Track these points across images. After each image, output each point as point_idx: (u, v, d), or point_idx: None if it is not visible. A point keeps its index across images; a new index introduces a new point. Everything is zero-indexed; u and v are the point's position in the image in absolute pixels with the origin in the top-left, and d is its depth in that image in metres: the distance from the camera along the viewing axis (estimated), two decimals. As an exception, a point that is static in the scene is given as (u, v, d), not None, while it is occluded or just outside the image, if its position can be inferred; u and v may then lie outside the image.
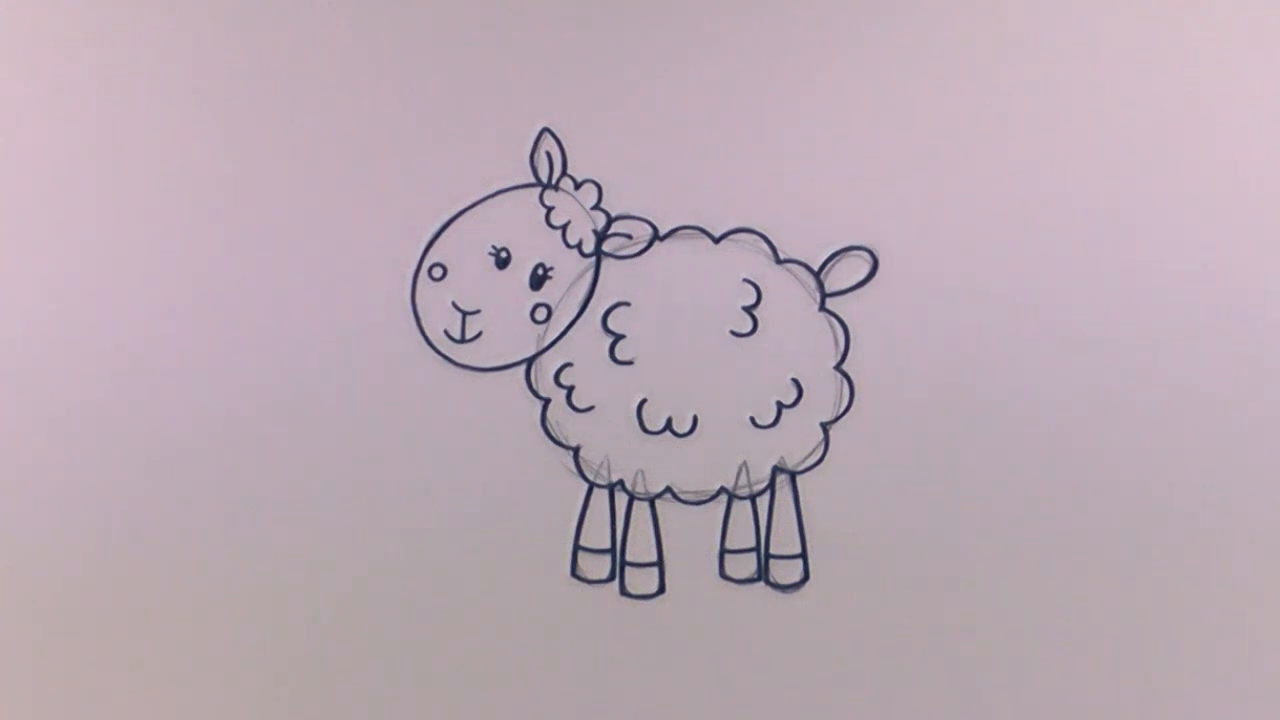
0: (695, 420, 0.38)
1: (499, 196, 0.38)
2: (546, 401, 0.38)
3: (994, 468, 0.42)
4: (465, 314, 0.38)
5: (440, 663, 0.39)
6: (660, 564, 0.39)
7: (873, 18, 0.42)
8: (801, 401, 0.42)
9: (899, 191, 0.42)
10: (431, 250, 0.38)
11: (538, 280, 0.37)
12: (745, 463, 0.39)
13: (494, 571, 0.39)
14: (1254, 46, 0.40)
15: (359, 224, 0.37)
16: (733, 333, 0.41)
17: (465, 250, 0.38)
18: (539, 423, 0.38)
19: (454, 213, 0.38)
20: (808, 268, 0.42)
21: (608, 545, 0.39)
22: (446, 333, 0.38)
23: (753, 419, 0.39)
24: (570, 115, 0.37)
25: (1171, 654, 0.42)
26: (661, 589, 0.39)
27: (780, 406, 0.42)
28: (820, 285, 0.42)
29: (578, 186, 0.38)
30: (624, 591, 0.39)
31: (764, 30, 0.41)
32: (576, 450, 0.38)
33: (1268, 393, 0.40)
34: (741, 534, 0.39)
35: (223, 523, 0.38)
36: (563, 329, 0.38)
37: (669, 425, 0.38)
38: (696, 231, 0.41)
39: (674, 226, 0.41)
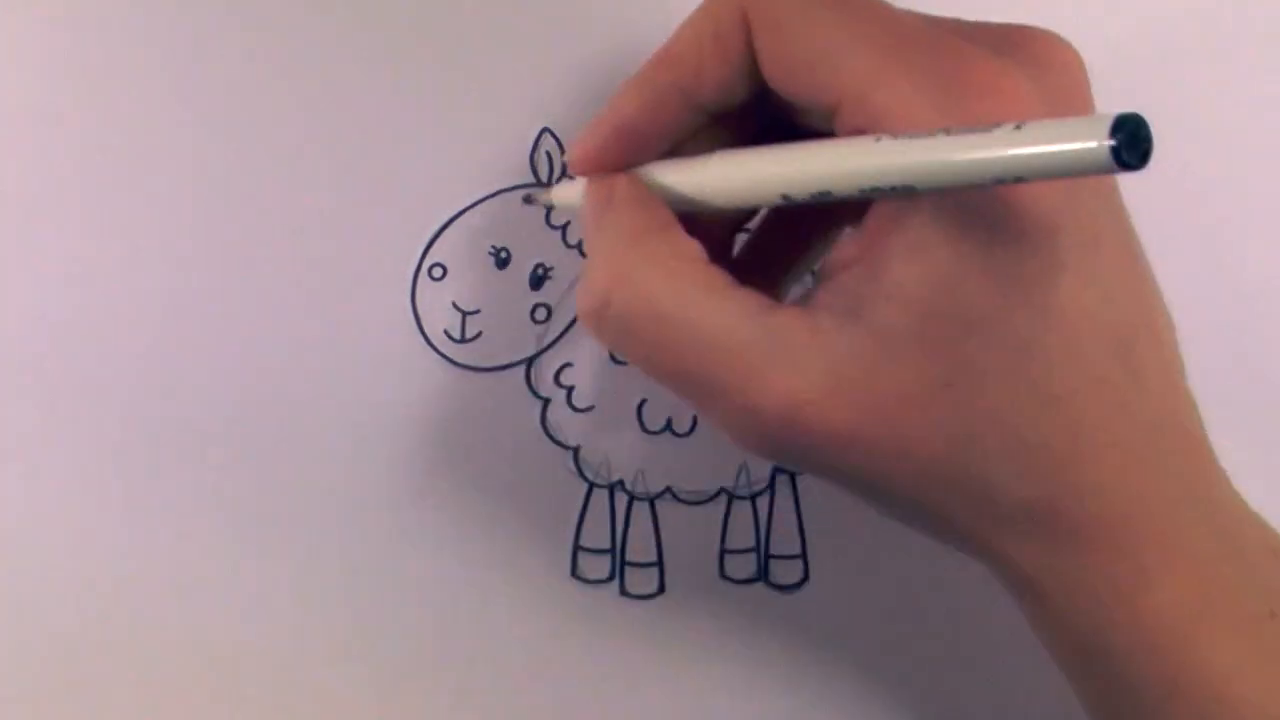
0: (695, 420, 0.38)
1: (499, 196, 0.38)
2: (546, 401, 0.38)
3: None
4: (465, 314, 0.38)
5: (439, 662, 0.39)
6: (660, 564, 0.39)
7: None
8: (801, 401, 0.42)
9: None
10: (431, 250, 0.37)
11: (538, 280, 0.37)
12: (745, 463, 0.39)
13: (494, 571, 0.39)
14: (1258, 44, 0.40)
15: (359, 224, 0.37)
16: (733, 332, 0.41)
17: (465, 250, 0.38)
18: (539, 423, 0.38)
19: (454, 213, 0.37)
20: (808, 267, 0.42)
21: (608, 545, 0.39)
22: (446, 333, 0.38)
23: (753, 419, 0.39)
24: (570, 115, 0.37)
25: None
26: (661, 589, 0.39)
27: (780, 406, 0.42)
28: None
29: (578, 186, 0.37)
30: (624, 591, 0.39)
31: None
32: (576, 450, 0.38)
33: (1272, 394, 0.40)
34: (741, 534, 0.39)
35: (221, 522, 0.38)
36: (563, 329, 0.38)
37: (669, 425, 0.38)
38: (696, 231, 0.41)
39: (674, 226, 0.41)
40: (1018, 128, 0.22)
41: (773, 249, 0.33)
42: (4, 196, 0.37)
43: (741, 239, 0.34)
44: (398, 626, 0.38)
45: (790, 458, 0.28)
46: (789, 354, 0.26)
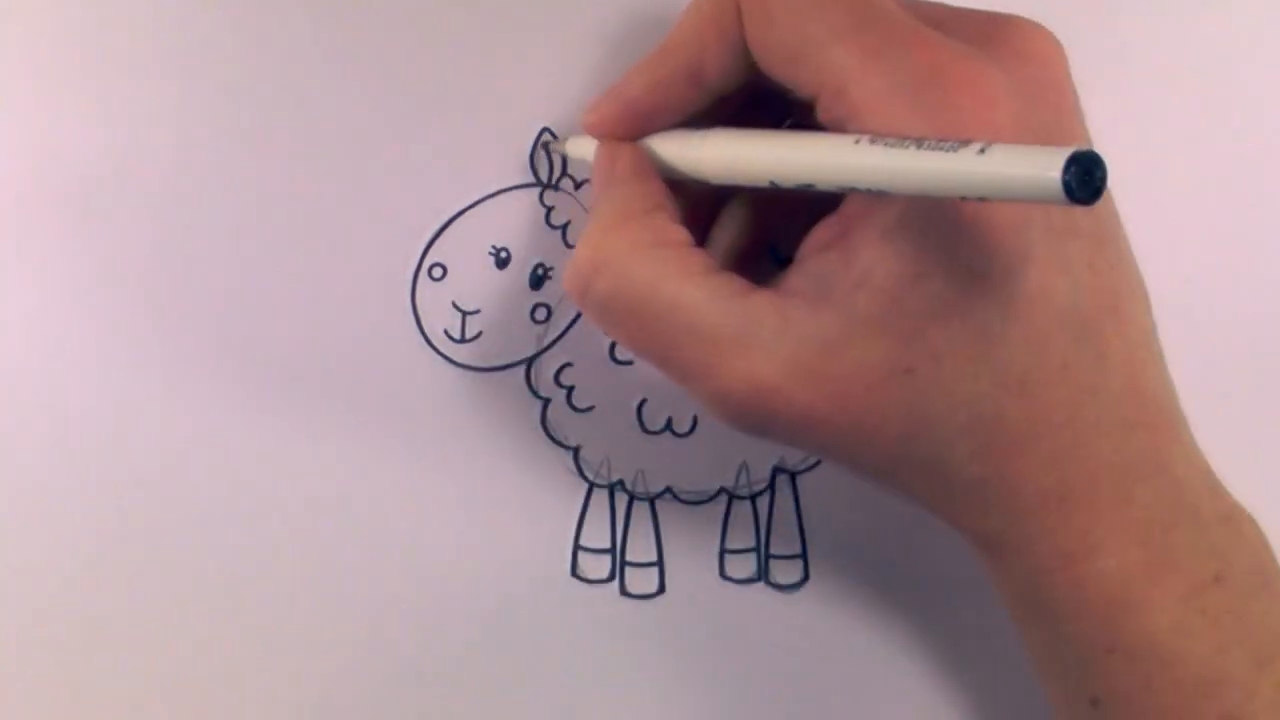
0: (695, 420, 0.38)
1: (499, 196, 0.38)
2: (546, 401, 0.38)
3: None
4: (465, 314, 0.38)
5: (439, 662, 0.39)
6: (660, 564, 0.39)
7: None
8: (801, 401, 0.42)
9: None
10: (431, 250, 0.37)
11: (538, 280, 0.37)
12: (745, 463, 0.39)
13: (494, 571, 0.39)
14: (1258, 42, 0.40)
15: (359, 224, 0.37)
16: (733, 332, 0.41)
17: (465, 250, 0.38)
18: (539, 423, 0.38)
19: (454, 213, 0.37)
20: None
21: (608, 545, 0.39)
22: (446, 332, 0.38)
23: (753, 419, 0.38)
24: (570, 115, 0.37)
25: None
26: (661, 589, 0.39)
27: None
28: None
29: (578, 187, 0.37)
30: (624, 591, 0.39)
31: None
32: (576, 450, 0.38)
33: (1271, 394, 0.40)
34: (741, 534, 0.39)
35: (220, 523, 0.38)
36: (563, 329, 0.38)
37: (669, 425, 0.38)
38: (696, 231, 0.41)
39: (674, 226, 0.41)
40: (982, 151, 0.23)
41: (762, 230, 0.33)
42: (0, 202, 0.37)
43: (734, 220, 0.34)
44: (397, 626, 0.38)
45: (761, 434, 0.30)
46: (757, 339, 0.27)
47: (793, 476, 0.39)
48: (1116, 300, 0.27)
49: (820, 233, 0.28)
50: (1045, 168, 0.22)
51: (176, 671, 0.38)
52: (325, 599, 0.38)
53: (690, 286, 0.28)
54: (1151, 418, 0.28)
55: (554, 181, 0.37)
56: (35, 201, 0.37)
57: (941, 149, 0.24)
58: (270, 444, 0.37)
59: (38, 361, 0.37)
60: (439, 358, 0.38)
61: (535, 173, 0.37)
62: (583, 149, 0.34)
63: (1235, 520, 0.29)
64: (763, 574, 0.39)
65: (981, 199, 0.23)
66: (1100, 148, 0.31)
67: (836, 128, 0.27)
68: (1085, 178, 0.22)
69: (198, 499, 0.37)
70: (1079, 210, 0.28)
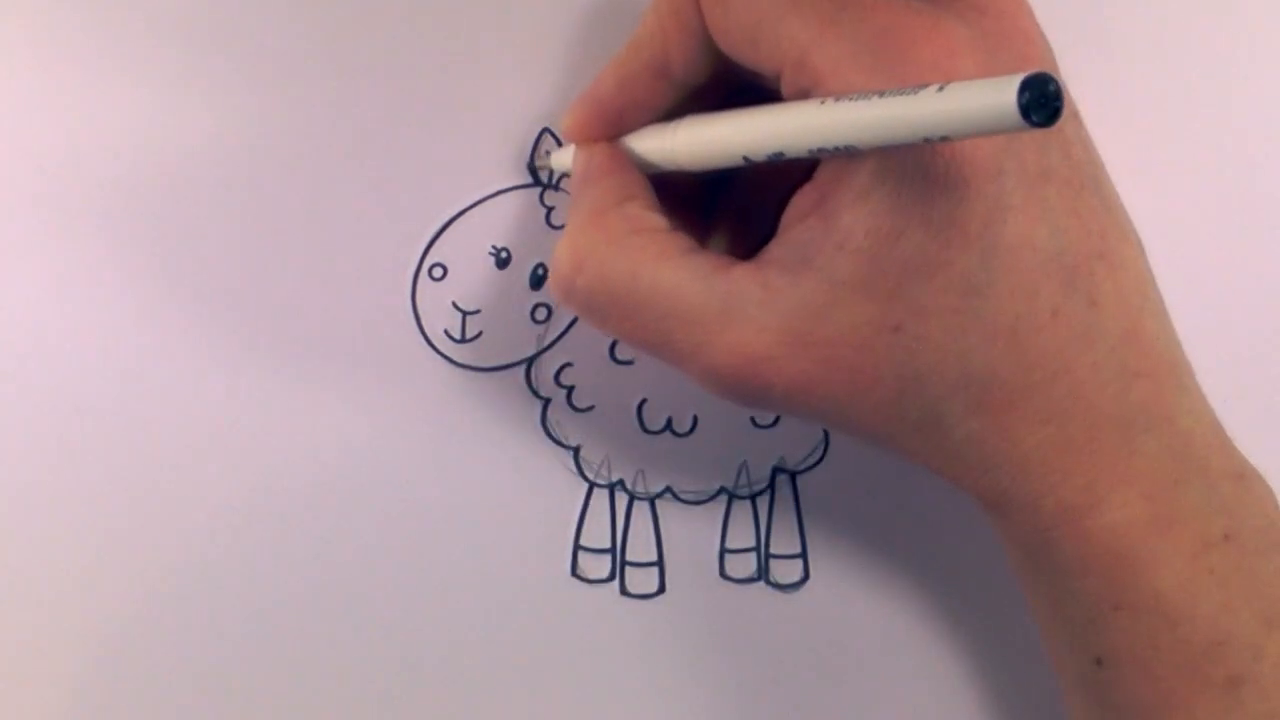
0: (695, 420, 0.38)
1: (499, 196, 0.38)
2: (546, 401, 0.38)
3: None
4: (465, 314, 0.38)
5: (439, 662, 0.39)
6: (660, 563, 0.39)
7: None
8: (801, 401, 0.42)
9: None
10: (431, 250, 0.37)
11: (538, 280, 0.37)
12: (745, 463, 0.39)
13: (494, 571, 0.39)
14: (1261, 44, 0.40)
15: (359, 224, 0.37)
16: (733, 332, 0.41)
17: (465, 250, 0.38)
18: (539, 423, 0.38)
19: (454, 213, 0.37)
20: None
21: (608, 545, 0.39)
22: (446, 332, 0.38)
23: (752, 419, 0.38)
24: (570, 115, 0.37)
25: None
26: (661, 588, 0.39)
27: (780, 406, 0.42)
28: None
29: (578, 187, 0.37)
30: (624, 591, 0.39)
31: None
32: (576, 450, 0.38)
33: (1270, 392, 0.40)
34: (741, 534, 0.39)
35: (220, 523, 0.38)
36: (563, 329, 0.38)
37: (669, 425, 0.38)
38: (696, 231, 0.41)
39: (674, 226, 0.41)
40: (940, 89, 0.23)
41: (765, 220, 0.34)
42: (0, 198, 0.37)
43: (732, 210, 0.34)
44: (397, 626, 0.38)
45: (759, 406, 0.30)
46: (741, 313, 0.27)
47: (793, 476, 0.39)
48: (1105, 245, 0.27)
49: (799, 202, 0.27)
50: (1001, 94, 0.22)
51: (174, 667, 0.38)
52: (325, 598, 0.38)
53: (669, 269, 0.28)
54: (1153, 367, 0.27)
55: (554, 181, 0.37)
56: (38, 202, 0.37)
57: (901, 94, 0.24)
58: (270, 443, 0.37)
59: (39, 360, 0.37)
60: (439, 358, 0.38)
61: (535, 173, 0.37)
62: (567, 159, 0.34)
63: (1246, 479, 0.28)
64: (763, 574, 0.39)
65: (945, 138, 0.23)
66: (1099, 145, 0.31)
67: (802, 99, 0.27)
68: (1040, 99, 0.22)
69: (197, 499, 0.37)
70: (1054, 158, 0.28)
